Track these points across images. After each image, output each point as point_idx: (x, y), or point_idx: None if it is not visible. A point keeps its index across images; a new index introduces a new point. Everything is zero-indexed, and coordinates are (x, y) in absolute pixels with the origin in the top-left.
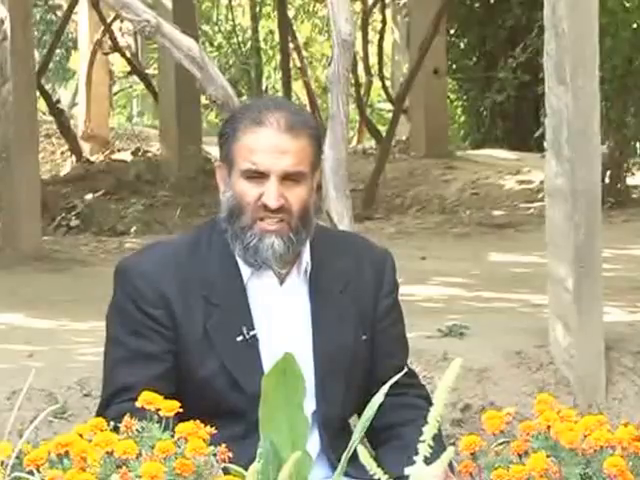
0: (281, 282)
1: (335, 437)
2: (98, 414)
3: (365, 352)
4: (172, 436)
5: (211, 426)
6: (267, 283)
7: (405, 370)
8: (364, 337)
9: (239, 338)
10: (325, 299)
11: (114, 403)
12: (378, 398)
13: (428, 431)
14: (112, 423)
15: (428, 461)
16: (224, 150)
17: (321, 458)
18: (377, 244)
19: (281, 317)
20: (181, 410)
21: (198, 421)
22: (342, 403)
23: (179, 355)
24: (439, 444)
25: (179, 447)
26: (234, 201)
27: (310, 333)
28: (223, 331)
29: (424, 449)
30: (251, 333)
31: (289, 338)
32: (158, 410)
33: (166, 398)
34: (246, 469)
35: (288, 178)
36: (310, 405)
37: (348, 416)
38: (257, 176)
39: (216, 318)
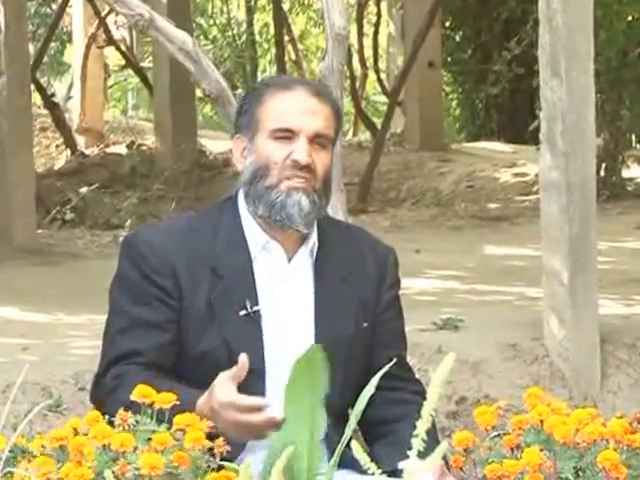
0: (289, 260)
1: (335, 425)
2: (94, 386)
3: (365, 339)
4: (169, 428)
5: None
6: (275, 259)
7: (395, 361)
8: (365, 324)
9: (242, 312)
10: (328, 284)
11: (113, 368)
12: (368, 390)
13: (421, 425)
14: (107, 417)
15: (422, 455)
16: (246, 118)
17: (322, 446)
18: (381, 240)
19: (286, 295)
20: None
21: None
22: (341, 390)
23: (181, 326)
24: (433, 438)
25: (177, 441)
26: (258, 163)
27: (312, 316)
28: (227, 304)
29: (417, 443)
30: (254, 308)
31: (292, 317)
32: (153, 403)
33: (165, 369)
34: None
35: (315, 141)
36: None
37: (347, 405)
38: (286, 136)
39: (221, 290)
